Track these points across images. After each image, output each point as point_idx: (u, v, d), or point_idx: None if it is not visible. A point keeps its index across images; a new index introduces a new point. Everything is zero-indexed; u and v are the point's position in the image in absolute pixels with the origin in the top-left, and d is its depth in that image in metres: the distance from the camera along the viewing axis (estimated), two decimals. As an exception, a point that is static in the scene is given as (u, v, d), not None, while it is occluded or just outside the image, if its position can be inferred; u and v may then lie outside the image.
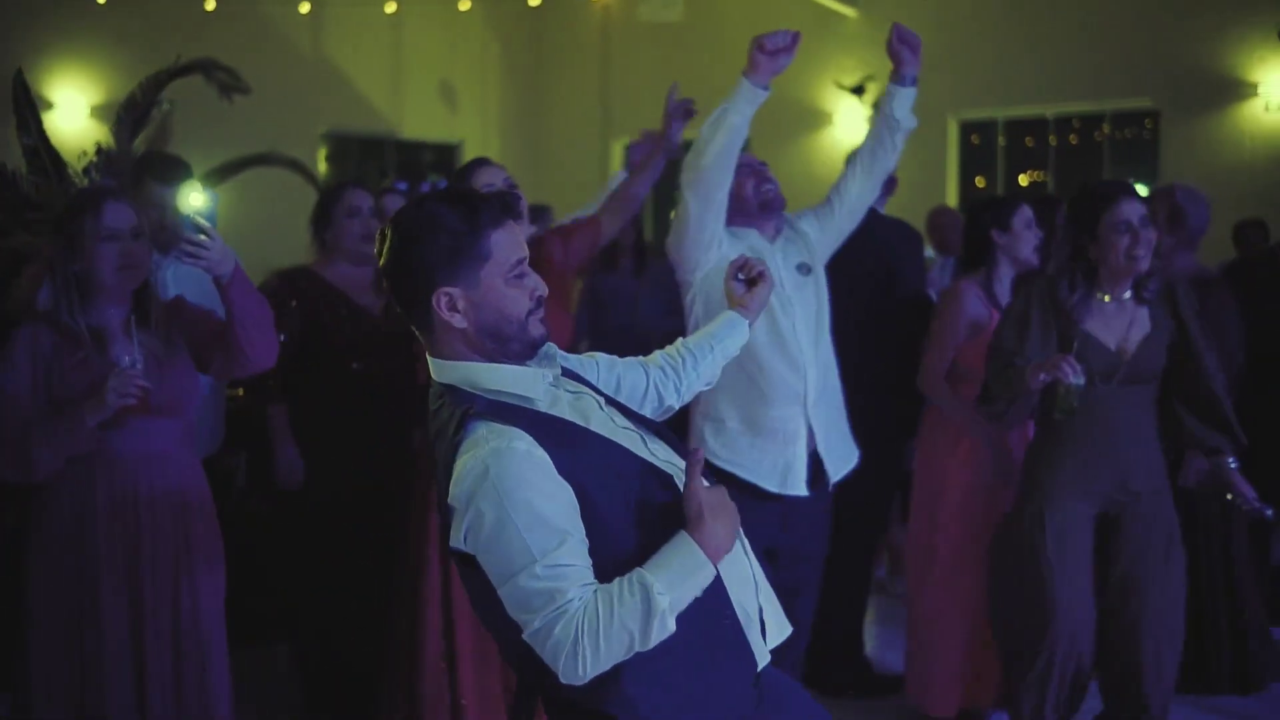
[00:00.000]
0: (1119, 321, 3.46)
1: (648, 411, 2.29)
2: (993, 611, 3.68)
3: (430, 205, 1.94)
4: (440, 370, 1.97)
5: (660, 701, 1.83)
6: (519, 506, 1.75)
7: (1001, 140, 11.07)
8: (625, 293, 5.77)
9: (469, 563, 1.83)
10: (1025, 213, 3.99)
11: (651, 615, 1.73)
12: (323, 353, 3.98)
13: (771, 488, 3.49)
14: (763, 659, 1.99)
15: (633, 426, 2.04)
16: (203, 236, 2.79)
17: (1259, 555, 4.73)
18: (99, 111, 9.21)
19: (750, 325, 2.49)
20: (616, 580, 1.77)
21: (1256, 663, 4.41)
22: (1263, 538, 4.80)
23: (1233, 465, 3.54)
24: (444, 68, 12.42)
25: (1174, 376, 3.55)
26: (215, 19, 9.72)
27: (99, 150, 5.19)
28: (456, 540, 1.82)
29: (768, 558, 2.24)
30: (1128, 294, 3.47)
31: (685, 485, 1.86)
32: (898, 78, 3.59)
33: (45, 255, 3.11)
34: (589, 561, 1.78)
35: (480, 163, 3.50)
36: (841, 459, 3.66)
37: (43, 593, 2.94)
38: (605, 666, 1.76)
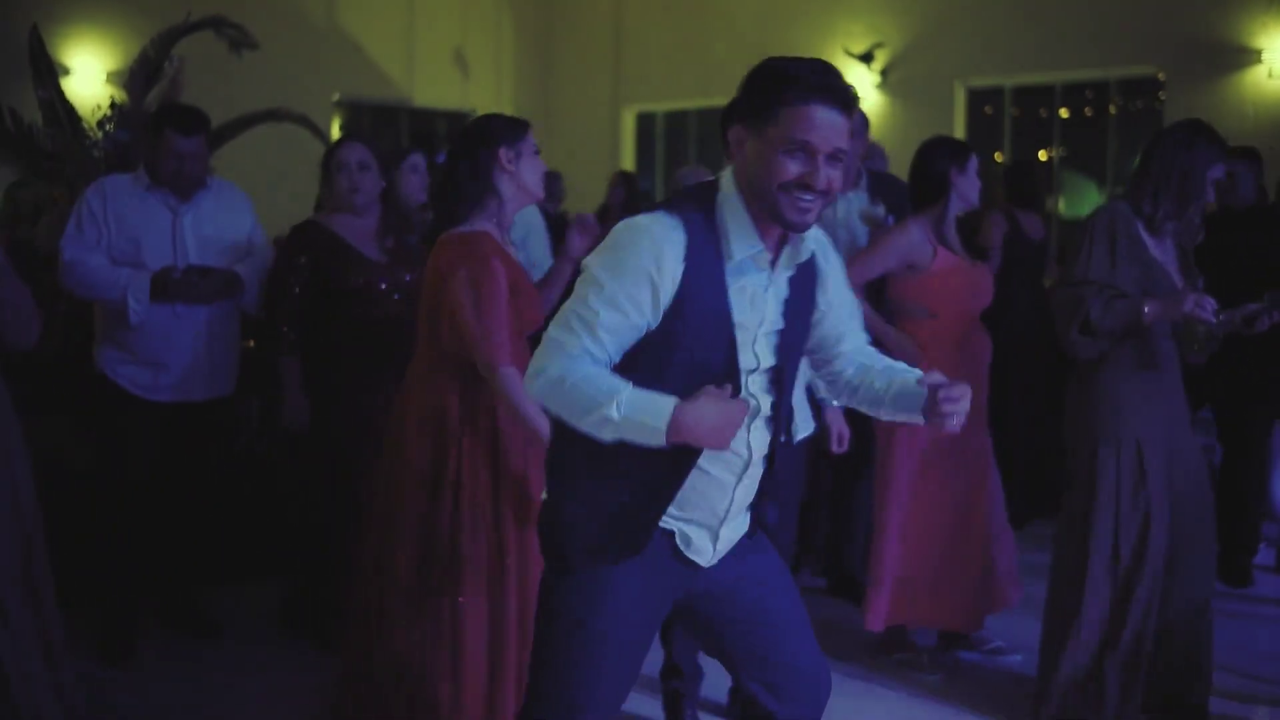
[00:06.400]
0: (1169, 257, 3.55)
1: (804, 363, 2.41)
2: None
3: None
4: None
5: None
6: (611, 266, 2.05)
7: (1014, 111, 11.12)
8: None
9: None
10: (974, 159, 4.15)
11: (594, 410, 2.01)
12: (330, 301, 4.11)
13: None
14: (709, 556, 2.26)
15: (764, 330, 2.17)
16: None
17: None
18: (114, 77, 9.32)
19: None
20: (610, 373, 2.05)
21: None
22: None
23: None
24: (457, 35, 12.51)
25: None
26: (229, -14, 9.84)
27: (114, 105, 5.36)
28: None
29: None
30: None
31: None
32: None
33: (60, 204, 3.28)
34: (618, 347, 2.07)
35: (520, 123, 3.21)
36: (804, 420, 3.63)
37: None
38: (543, 401, 2.11)
